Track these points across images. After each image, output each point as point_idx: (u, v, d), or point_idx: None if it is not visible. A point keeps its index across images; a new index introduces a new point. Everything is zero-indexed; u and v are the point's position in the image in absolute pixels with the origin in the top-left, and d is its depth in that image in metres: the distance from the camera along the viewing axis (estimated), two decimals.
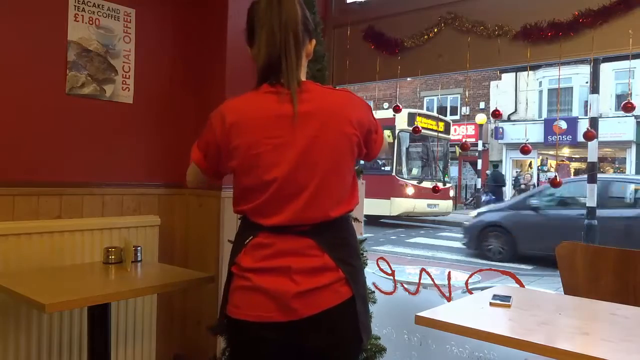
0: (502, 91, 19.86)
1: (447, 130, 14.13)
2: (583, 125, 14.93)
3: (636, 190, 7.97)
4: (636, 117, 16.34)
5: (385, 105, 19.06)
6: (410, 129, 9.64)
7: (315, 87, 1.32)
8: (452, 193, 14.59)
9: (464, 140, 4.83)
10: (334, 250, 1.30)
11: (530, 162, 20.33)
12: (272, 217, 1.28)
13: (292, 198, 1.26)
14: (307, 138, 1.26)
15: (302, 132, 1.26)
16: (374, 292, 2.60)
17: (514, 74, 19.24)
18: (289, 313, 1.26)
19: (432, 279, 2.54)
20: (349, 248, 1.35)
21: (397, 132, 12.32)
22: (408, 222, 13.21)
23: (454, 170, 19.24)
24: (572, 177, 19.63)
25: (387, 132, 11.48)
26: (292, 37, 1.28)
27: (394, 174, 12.33)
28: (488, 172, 18.61)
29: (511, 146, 19.36)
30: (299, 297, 1.25)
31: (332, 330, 1.29)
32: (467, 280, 2.50)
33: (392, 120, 11.74)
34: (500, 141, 19.97)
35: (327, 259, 1.28)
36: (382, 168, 12.56)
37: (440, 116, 16.88)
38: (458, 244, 9.35)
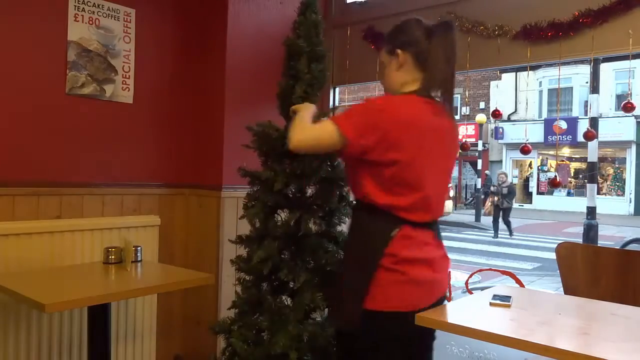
0: (502, 91, 19.86)
1: None
2: (583, 125, 14.94)
3: None
4: (636, 117, 16.34)
5: None
6: None
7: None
8: (452, 193, 14.51)
9: (464, 140, 4.83)
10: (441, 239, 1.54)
11: (530, 162, 20.33)
12: (418, 213, 1.44)
13: (433, 200, 1.47)
14: (447, 151, 1.50)
15: (447, 144, 1.49)
16: None
17: (514, 74, 19.24)
18: (430, 298, 1.43)
19: None
20: None
21: None
22: None
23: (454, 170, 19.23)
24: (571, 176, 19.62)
25: None
26: (453, 65, 1.51)
27: None
28: (487, 172, 18.64)
29: (511, 146, 19.37)
30: (439, 282, 1.47)
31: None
32: (467, 280, 2.50)
33: None
34: (500, 141, 19.97)
35: (444, 247, 1.52)
36: None
37: None
38: (457, 244, 9.34)
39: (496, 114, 3.06)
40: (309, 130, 1.47)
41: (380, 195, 1.42)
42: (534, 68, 15.76)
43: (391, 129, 1.37)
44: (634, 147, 17.46)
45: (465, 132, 18.86)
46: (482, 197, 15.01)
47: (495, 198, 11.18)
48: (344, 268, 1.51)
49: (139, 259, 2.21)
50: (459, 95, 20.32)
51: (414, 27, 1.53)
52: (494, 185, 11.26)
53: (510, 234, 11.23)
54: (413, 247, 1.41)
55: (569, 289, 2.10)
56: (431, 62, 1.47)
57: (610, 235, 11.39)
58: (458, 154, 1.61)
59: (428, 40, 1.48)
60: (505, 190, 10.98)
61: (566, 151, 19.61)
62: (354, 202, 1.56)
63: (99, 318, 1.95)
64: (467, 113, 19.61)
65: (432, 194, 1.45)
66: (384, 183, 1.42)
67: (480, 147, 17.68)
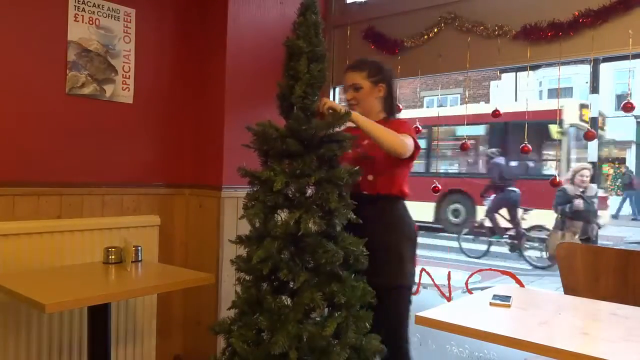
0: (502, 91, 19.85)
1: None
2: None
3: None
4: (636, 117, 16.33)
5: None
6: None
7: None
8: None
9: (464, 140, 4.82)
10: None
11: None
12: None
13: None
14: None
15: None
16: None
17: (514, 74, 19.22)
18: None
19: (432, 279, 2.54)
20: None
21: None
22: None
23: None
24: None
25: None
26: None
27: None
28: None
29: None
30: None
31: None
32: (467, 280, 2.50)
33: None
34: None
35: None
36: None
37: None
38: (456, 244, 9.31)
39: (496, 114, 3.05)
40: (405, 140, 1.91)
41: (406, 188, 2.02)
42: (534, 68, 15.71)
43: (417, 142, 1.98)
44: (633, 147, 17.45)
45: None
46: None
47: (575, 224, 5.33)
48: (399, 244, 1.99)
49: (139, 259, 2.21)
50: (459, 95, 20.33)
51: (387, 69, 2.11)
52: (579, 196, 5.46)
53: None
54: None
55: (569, 289, 2.10)
56: (393, 96, 2.11)
57: (610, 236, 11.38)
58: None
59: (392, 81, 2.11)
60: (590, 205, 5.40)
61: None
62: (389, 196, 2.00)
63: (99, 318, 1.95)
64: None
65: None
66: (405, 179, 2.03)
67: None
